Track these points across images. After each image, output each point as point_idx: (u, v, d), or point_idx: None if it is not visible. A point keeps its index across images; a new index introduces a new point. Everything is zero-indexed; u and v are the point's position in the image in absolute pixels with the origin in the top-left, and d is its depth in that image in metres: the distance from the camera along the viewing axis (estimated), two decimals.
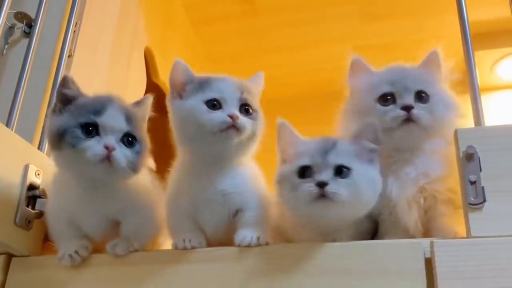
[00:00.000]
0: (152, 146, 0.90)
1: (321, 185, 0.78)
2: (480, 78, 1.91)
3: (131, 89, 1.32)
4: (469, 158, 0.77)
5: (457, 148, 0.79)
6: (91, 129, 0.81)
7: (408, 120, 0.85)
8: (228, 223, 0.85)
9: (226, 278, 0.79)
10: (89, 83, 1.13)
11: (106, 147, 0.80)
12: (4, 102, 0.98)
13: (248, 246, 0.80)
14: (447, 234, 0.81)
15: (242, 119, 0.83)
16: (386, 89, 0.88)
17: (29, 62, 0.98)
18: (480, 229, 0.74)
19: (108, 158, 0.80)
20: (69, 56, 1.06)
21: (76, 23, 1.10)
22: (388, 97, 0.88)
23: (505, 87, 1.94)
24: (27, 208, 0.87)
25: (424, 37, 1.81)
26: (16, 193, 0.86)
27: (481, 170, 0.76)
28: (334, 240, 0.82)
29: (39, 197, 0.90)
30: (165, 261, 0.82)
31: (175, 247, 0.83)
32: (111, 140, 0.81)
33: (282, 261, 0.78)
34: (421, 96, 0.88)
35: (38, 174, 0.90)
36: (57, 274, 0.85)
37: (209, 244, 0.85)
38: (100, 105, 0.83)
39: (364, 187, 0.80)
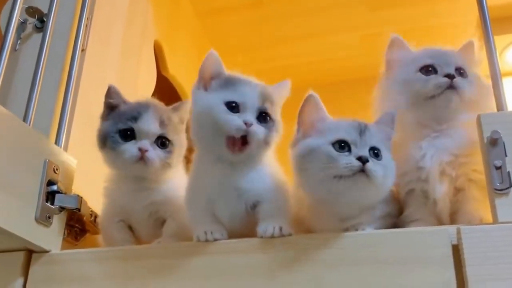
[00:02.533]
0: None
1: (363, 160, 0.78)
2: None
3: (141, 83, 1.31)
4: (493, 143, 0.76)
5: (481, 133, 0.78)
6: (129, 134, 0.91)
7: (451, 87, 0.89)
8: (246, 216, 0.85)
9: (250, 269, 0.78)
10: (102, 76, 1.12)
11: (140, 149, 0.90)
12: (19, 98, 0.97)
13: (272, 237, 0.79)
14: (472, 220, 0.81)
15: (257, 128, 0.83)
16: (427, 61, 0.92)
17: (44, 57, 0.97)
18: (507, 214, 0.73)
19: (142, 158, 0.90)
20: (82, 50, 1.05)
21: (88, 17, 1.08)
22: (429, 69, 0.91)
23: None
24: (46, 203, 0.87)
25: (433, 24, 1.80)
26: (35, 189, 0.86)
27: (506, 155, 0.76)
28: (353, 227, 0.82)
29: (58, 192, 0.89)
30: (187, 253, 0.82)
31: (197, 239, 0.82)
32: (145, 143, 0.91)
33: (306, 251, 0.78)
34: (460, 72, 0.91)
35: (57, 169, 0.90)
36: (78, 269, 0.85)
37: (229, 237, 0.84)
38: (137, 112, 0.93)
39: (390, 171, 0.82)
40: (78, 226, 0.96)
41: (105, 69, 1.14)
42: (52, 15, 1.00)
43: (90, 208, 0.95)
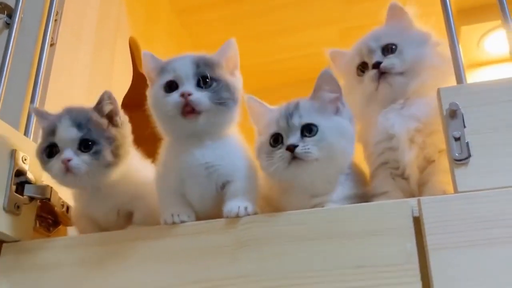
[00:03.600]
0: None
1: (291, 148, 0.80)
2: (467, 53, 1.91)
3: (116, 79, 1.32)
4: (452, 115, 0.77)
5: (440, 106, 0.79)
6: (53, 150, 0.87)
7: (381, 76, 0.90)
8: (216, 196, 0.85)
9: (216, 249, 0.78)
10: (73, 70, 1.13)
11: (62, 161, 0.85)
12: None
13: (237, 216, 0.80)
14: (435, 193, 0.82)
15: (198, 95, 0.82)
16: (357, 61, 0.95)
17: (10, 51, 0.99)
18: (466, 184, 0.74)
19: (68, 170, 0.85)
20: (51, 45, 1.06)
21: (57, 12, 1.10)
22: (363, 66, 0.94)
23: (493, 62, 1.93)
24: (15, 193, 0.87)
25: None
26: (3, 179, 0.86)
27: (465, 126, 0.77)
28: (320, 205, 0.83)
29: (28, 182, 0.90)
30: (154, 237, 0.82)
31: (164, 222, 0.83)
32: (67, 153, 0.85)
33: (271, 229, 0.78)
34: (389, 48, 0.92)
35: (25, 160, 0.90)
36: (48, 257, 0.85)
37: (199, 219, 0.84)
38: (52, 125, 0.88)
39: (334, 140, 0.83)
40: (50, 217, 0.96)
41: (77, 63, 1.15)
42: (19, 9, 1.01)
43: (61, 199, 0.96)
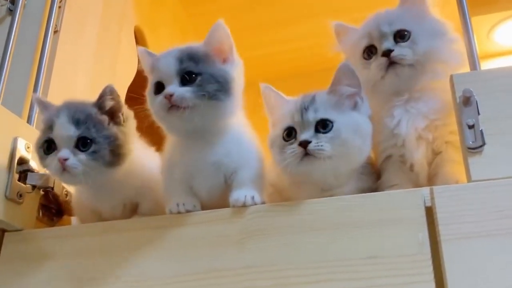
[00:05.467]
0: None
1: (303, 144, 0.77)
2: (477, 45, 1.88)
3: (120, 68, 1.30)
4: (466, 102, 0.75)
5: (453, 93, 0.77)
6: (51, 146, 0.84)
7: (390, 65, 0.85)
8: (224, 188, 0.83)
9: (222, 238, 0.77)
10: (77, 58, 1.11)
11: (59, 160, 0.82)
12: None
13: (244, 206, 0.78)
14: (449, 182, 0.79)
15: (179, 93, 0.79)
16: (365, 42, 0.88)
17: (13, 38, 0.98)
18: (480, 173, 0.72)
19: (64, 169, 0.82)
20: (55, 32, 1.05)
21: None
22: (369, 49, 0.88)
23: (503, 53, 1.90)
24: (18, 182, 0.86)
25: None
26: (5, 167, 0.84)
27: (479, 113, 0.74)
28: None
29: (31, 171, 0.88)
30: (159, 226, 0.81)
31: (169, 212, 0.81)
32: (64, 152, 0.82)
33: (279, 219, 0.76)
34: (402, 35, 0.86)
35: (28, 148, 0.89)
36: (51, 246, 0.84)
37: (205, 209, 0.82)
38: (50, 120, 0.85)
39: (348, 137, 0.79)
40: (53, 207, 0.95)
41: (81, 51, 1.13)
42: None
43: (64, 188, 0.94)
